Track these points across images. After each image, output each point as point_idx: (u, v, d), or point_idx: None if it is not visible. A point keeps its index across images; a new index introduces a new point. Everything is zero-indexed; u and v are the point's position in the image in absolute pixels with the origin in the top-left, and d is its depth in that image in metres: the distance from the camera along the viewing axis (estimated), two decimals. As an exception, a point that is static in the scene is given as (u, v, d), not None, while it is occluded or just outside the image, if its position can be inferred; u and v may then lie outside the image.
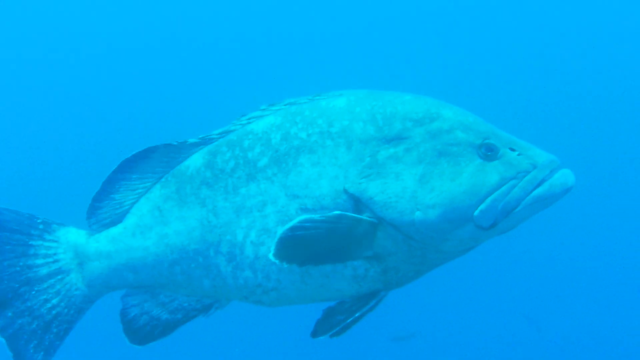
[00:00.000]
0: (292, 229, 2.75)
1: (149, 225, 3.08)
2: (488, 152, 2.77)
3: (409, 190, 2.75)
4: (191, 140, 3.11)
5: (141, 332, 3.13)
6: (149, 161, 3.10)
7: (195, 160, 3.07)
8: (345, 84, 3.17)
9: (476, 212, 2.71)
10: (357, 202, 2.81)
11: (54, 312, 3.07)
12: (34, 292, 3.06)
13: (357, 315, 2.88)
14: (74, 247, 3.11)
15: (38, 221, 3.10)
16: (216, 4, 13.07)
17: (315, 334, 2.90)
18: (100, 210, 3.14)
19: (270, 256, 2.75)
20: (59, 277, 3.09)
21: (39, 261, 3.08)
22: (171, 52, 12.66)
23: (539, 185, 2.73)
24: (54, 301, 3.08)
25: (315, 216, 2.77)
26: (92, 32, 12.87)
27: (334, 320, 2.91)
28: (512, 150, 2.79)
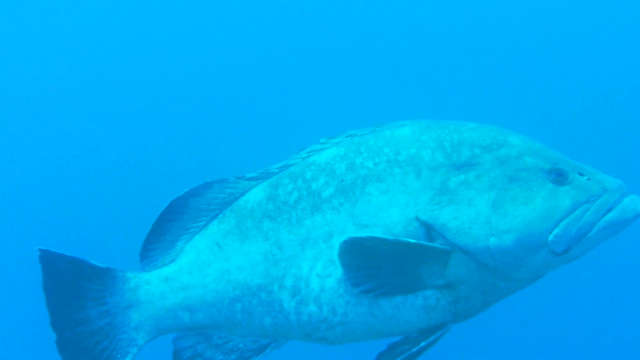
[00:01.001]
0: (361, 238, 2.76)
1: (208, 262, 3.03)
2: (558, 177, 2.77)
3: (482, 215, 2.73)
4: (249, 174, 3.08)
5: None
6: (204, 198, 3.07)
7: (256, 194, 3.04)
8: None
9: (550, 237, 2.70)
10: (429, 230, 2.79)
11: (105, 353, 3.03)
12: (87, 333, 3.03)
13: (422, 345, 2.83)
14: (121, 290, 3.07)
15: (85, 265, 3.06)
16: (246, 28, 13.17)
17: None
18: (152, 252, 3.10)
19: (337, 257, 2.76)
20: (107, 320, 3.05)
21: (90, 303, 3.05)
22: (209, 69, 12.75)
23: (610, 210, 2.73)
24: (105, 343, 3.04)
25: (388, 237, 2.76)
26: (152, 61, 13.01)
27: (397, 351, 2.86)
28: (581, 175, 2.80)
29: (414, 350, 2.83)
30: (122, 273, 3.09)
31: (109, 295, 3.06)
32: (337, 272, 2.84)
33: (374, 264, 2.76)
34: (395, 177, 2.86)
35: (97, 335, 3.04)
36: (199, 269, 3.04)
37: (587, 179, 2.78)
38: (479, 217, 2.73)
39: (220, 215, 3.07)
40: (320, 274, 2.88)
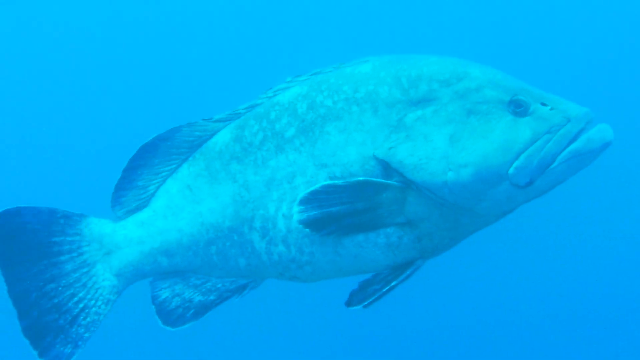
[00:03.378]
0: (314, 192, 2.74)
1: (181, 206, 3.05)
2: (518, 108, 2.70)
3: (439, 150, 2.69)
4: (217, 116, 3.07)
5: (174, 314, 3.08)
6: (173, 142, 3.06)
7: (224, 136, 3.04)
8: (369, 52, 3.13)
9: (511, 170, 2.64)
10: (386, 167, 2.76)
11: (81, 305, 3.02)
12: (60, 289, 3.01)
13: (393, 284, 2.84)
14: (99, 237, 3.07)
15: (58, 216, 3.04)
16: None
17: (349, 303, 2.87)
18: (124, 197, 3.09)
19: (294, 216, 2.75)
20: (85, 270, 3.05)
21: (63, 257, 3.03)
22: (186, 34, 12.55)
23: (575, 139, 2.65)
24: (81, 294, 3.03)
25: (338, 182, 2.74)
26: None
27: (369, 290, 2.87)
28: (544, 105, 2.71)
29: (385, 289, 2.84)
30: (97, 219, 3.10)
31: (86, 244, 3.06)
32: None
33: (333, 214, 2.74)
34: (353, 115, 2.83)
35: (71, 288, 3.02)
36: (173, 213, 3.05)
37: (550, 109, 2.69)
38: (436, 152, 2.69)
39: (190, 158, 3.07)
40: (286, 215, 2.89)
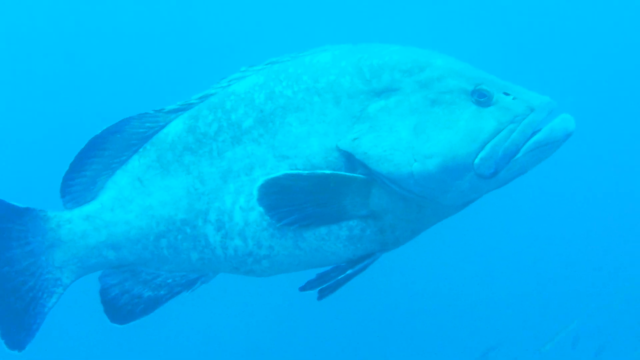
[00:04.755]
0: (276, 178, 2.67)
1: (130, 198, 2.95)
2: (481, 97, 2.66)
3: (404, 141, 2.64)
4: (169, 107, 2.98)
5: (122, 310, 3.02)
6: (123, 134, 2.97)
7: (176, 126, 2.94)
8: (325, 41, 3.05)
9: (476, 160, 2.60)
10: (350, 159, 2.70)
11: (31, 294, 2.98)
12: (13, 273, 2.96)
13: (349, 272, 2.79)
14: (42, 231, 2.99)
15: (4, 205, 2.98)
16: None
17: (304, 288, 2.81)
18: (72, 188, 3.01)
19: (255, 199, 2.68)
20: (32, 260, 2.98)
21: (14, 243, 2.97)
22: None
23: (538, 129, 2.63)
24: (30, 283, 2.98)
25: (303, 172, 2.68)
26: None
27: (325, 279, 2.81)
28: (507, 94, 2.68)
29: (340, 277, 2.79)
30: (42, 212, 3.01)
31: (31, 235, 2.99)
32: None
33: (295, 200, 2.68)
34: (314, 105, 2.76)
35: (22, 275, 2.98)
36: (121, 205, 2.96)
37: (513, 98, 2.66)
38: (401, 143, 2.64)
39: (140, 150, 2.97)
40: (243, 207, 2.81)
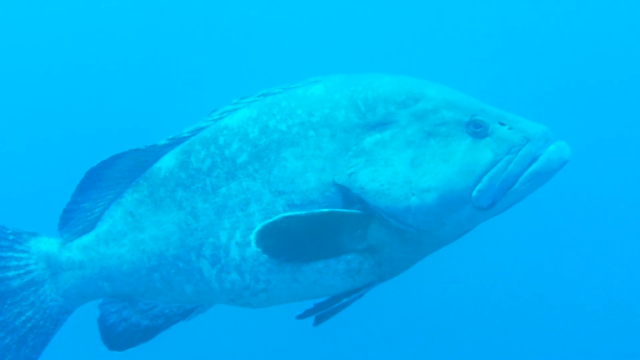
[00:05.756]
0: (274, 222, 2.65)
1: (122, 232, 2.95)
2: (477, 128, 2.65)
3: (401, 175, 2.63)
4: (160, 142, 2.95)
5: (120, 338, 3.03)
6: (117, 167, 2.95)
7: (168, 162, 2.92)
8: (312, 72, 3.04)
9: (474, 193, 2.60)
10: (347, 194, 2.69)
11: (28, 325, 2.96)
12: (6, 306, 2.94)
13: (344, 300, 2.79)
14: (46, 257, 2.99)
15: (8, 232, 2.98)
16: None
17: (301, 317, 2.81)
18: (71, 220, 3.01)
19: (253, 244, 2.65)
20: (33, 288, 2.97)
21: (10, 273, 2.95)
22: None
23: (534, 159, 2.62)
24: (29, 314, 2.96)
25: (301, 213, 2.65)
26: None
27: (322, 306, 2.81)
28: (502, 124, 2.67)
29: (336, 305, 2.79)
30: (47, 238, 3.02)
31: (33, 262, 2.99)
32: None
33: (292, 240, 2.67)
34: (310, 140, 2.74)
35: (17, 306, 2.95)
36: (114, 239, 2.96)
37: (509, 128, 2.66)
38: (398, 177, 2.63)
39: (134, 184, 2.96)
40: (239, 243, 2.79)
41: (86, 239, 2.99)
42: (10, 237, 2.97)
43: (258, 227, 2.66)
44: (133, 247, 2.93)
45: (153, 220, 2.91)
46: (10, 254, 2.96)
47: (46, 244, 3.00)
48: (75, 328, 3.64)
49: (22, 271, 2.97)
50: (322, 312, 2.79)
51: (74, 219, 3.00)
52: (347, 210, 2.66)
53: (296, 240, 2.67)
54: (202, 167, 2.86)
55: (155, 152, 2.94)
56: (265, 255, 2.68)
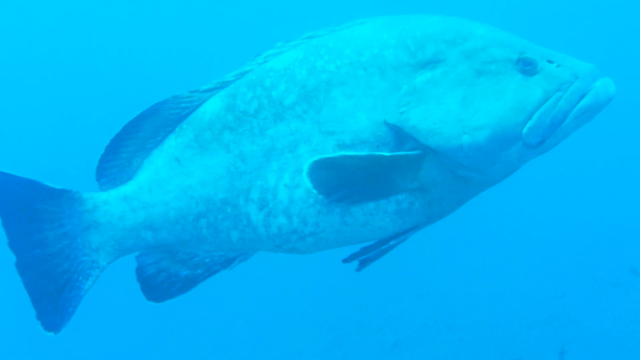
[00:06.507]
0: (329, 159, 2.64)
1: (168, 178, 2.91)
2: (527, 66, 2.65)
3: (453, 114, 2.62)
4: (204, 86, 2.93)
5: (159, 289, 3.01)
6: (158, 116, 2.92)
7: (213, 105, 2.89)
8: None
9: (524, 130, 2.60)
10: (398, 132, 2.67)
11: (65, 276, 2.94)
12: (46, 256, 2.92)
13: (392, 243, 2.79)
14: (78, 212, 2.94)
15: (40, 187, 2.93)
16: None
17: (347, 260, 2.80)
18: (108, 170, 2.97)
19: (304, 175, 2.63)
20: (66, 242, 2.94)
21: (46, 225, 2.93)
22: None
23: (583, 95, 2.62)
24: (65, 266, 2.94)
25: (361, 153, 2.64)
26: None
27: (369, 250, 2.81)
28: (550, 62, 2.67)
29: (383, 247, 2.79)
30: (78, 194, 2.96)
31: (65, 217, 2.94)
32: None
33: (345, 177, 2.66)
34: (360, 79, 2.72)
35: (56, 257, 2.94)
36: (159, 186, 2.92)
37: (557, 66, 2.65)
38: (449, 116, 2.62)
39: (177, 129, 2.93)
40: (288, 185, 2.77)
41: (126, 188, 2.95)
42: (43, 192, 2.93)
43: (313, 159, 2.64)
44: (180, 192, 2.90)
45: (200, 165, 2.88)
46: (44, 206, 2.92)
47: (78, 200, 2.96)
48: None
49: (56, 224, 2.93)
50: (367, 256, 2.78)
51: (111, 170, 2.97)
52: (405, 153, 2.65)
53: (349, 179, 2.65)
54: (249, 109, 2.83)
55: (197, 97, 2.92)
56: (315, 192, 2.66)
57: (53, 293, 2.93)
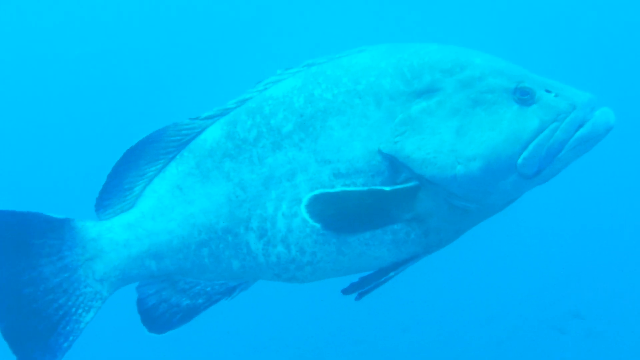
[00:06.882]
0: (326, 193, 2.65)
1: (171, 206, 2.91)
2: (524, 95, 2.63)
3: (447, 143, 2.61)
4: (205, 113, 2.94)
5: (160, 320, 2.98)
6: (159, 143, 2.93)
7: (213, 132, 2.90)
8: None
9: (520, 160, 2.58)
10: (393, 162, 2.67)
11: (61, 312, 2.88)
12: (39, 293, 2.87)
13: (391, 274, 2.78)
14: (82, 242, 2.92)
15: (40, 219, 2.89)
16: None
17: (346, 291, 2.79)
18: (108, 200, 2.95)
19: (302, 208, 2.64)
20: (66, 275, 2.90)
21: (43, 260, 2.88)
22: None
23: (580, 126, 2.60)
24: (61, 301, 2.89)
25: (363, 189, 2.64)
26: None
27: (368, 281, 2.80)
28: (548, 92, 2.65)
29: (382, 279, 2.78)
30: (81, 222, 2.94)
31: (67, 248, 2.91)
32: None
33: (341, 209, 2.66)
34: (356, 108, 2.73)
35: (51, 293, 2.88)
36: (162, 214, 2.92)
37: (555, 95, 2.63)
38: (444, 146, 2.61)
39: (177, 157, 2.93)
40: (285, 214, 2.78)
41: (130, 216, 2.94)
42: (43, 224, 2.89)
43: (313, 193, 2.65)
44: (183, 220, 2.89)
45: (202, 192, 2.88)
46: (42, 240, 2.88)
47: (82, 229, 2.93)
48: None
49: (54, 257, 2.90)
50: (367, 288, 2.78)
51: (111, 200, 2.95)
52: (402, 186, 2.64)
53: (346, 211, 2.65)
54: (249, 137, 2.84)
55: (198, 124, 2.92)
56: (311, 221, 2.66)
57: (43, 333, 2.86)
